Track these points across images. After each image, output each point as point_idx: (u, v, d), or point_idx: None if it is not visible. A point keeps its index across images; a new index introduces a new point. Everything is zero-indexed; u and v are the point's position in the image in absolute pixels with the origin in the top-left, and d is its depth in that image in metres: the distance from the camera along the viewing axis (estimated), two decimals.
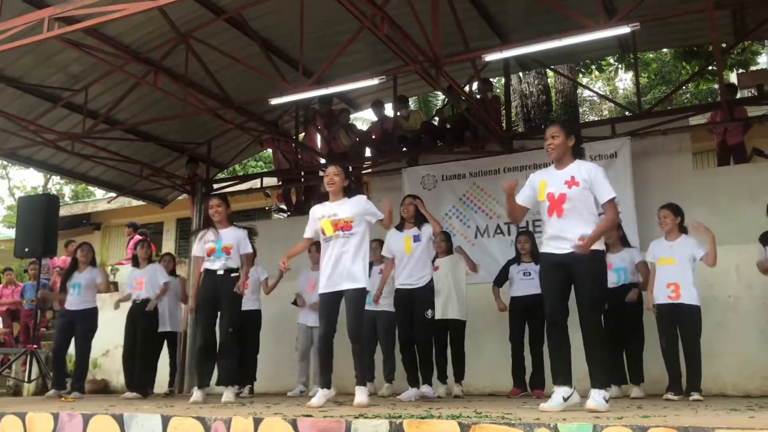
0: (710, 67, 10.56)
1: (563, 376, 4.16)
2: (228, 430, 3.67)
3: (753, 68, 11.87)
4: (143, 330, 7.42)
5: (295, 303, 8.09)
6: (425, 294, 6.18)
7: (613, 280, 6.28)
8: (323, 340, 5.08)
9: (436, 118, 10.41)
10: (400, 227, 6.31)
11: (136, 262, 7.86)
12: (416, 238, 6.16)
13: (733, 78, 12.21)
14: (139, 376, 7.36)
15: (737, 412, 3.90)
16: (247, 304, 7.73)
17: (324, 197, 5.35)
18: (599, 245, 4.21)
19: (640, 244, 7.10)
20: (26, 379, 8.90)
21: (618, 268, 6.48)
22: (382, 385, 7.35)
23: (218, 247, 5.97)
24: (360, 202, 5.18)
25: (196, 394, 5.78)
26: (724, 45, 9.08)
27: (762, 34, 8.76)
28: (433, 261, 6.68)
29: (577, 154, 4.40)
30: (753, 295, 6.45)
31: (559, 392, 4.09)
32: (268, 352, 8.28)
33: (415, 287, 6.15)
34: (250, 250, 6.16)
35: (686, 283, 5.79)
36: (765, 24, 7.97)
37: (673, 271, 5.83)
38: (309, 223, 5.30)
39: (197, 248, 6.19)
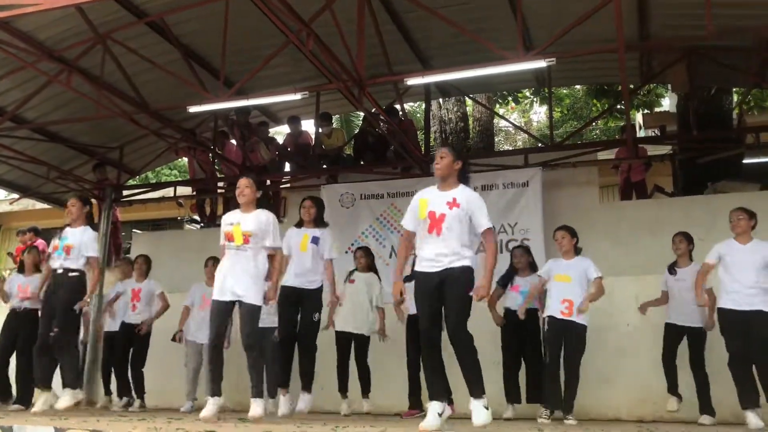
0: (619, 106, 11.12)
1: (442, 392, 4.23)
2: None
3: (657, 110, 12.60)
4: (24, 339, 6.94)
5: (174, 339, 7.59)
6: (314, 298, 5.96)
7: (518, 301, 6.62)
8: (212, 347, 5.07)
9: (370, 138, 10.21)
10: (299, 225, 6.17)
11: (21, 268, 7.48)
12: (314, 240, 5.99)
13: (639, 118, 12.88)
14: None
15: None
16: (136, 318, 7.51)
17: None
18: (470, 262, 4.29)
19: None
20: None
21: (523, 291, 6.68)
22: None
23: (61, 245, 5.90)
24: (262, 218, 5.19)
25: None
26: (632, 86, 9.59)
27: (665, 78, 9.32)
28: (351, 273, 6.83)
29: (463, 180, 4.51)
30: (649, 324, 6.77)
31: (435, 408, 4.13)
32: (157, 366, 7.85)
33: (305, 288, 5.93)
34: (94, 254, 5.95)
35: (580, 301, 5.96)
36: (668, 69, 8.51)
37: (569, 289, 5.98)
38: (221, 230, 5.28)
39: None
